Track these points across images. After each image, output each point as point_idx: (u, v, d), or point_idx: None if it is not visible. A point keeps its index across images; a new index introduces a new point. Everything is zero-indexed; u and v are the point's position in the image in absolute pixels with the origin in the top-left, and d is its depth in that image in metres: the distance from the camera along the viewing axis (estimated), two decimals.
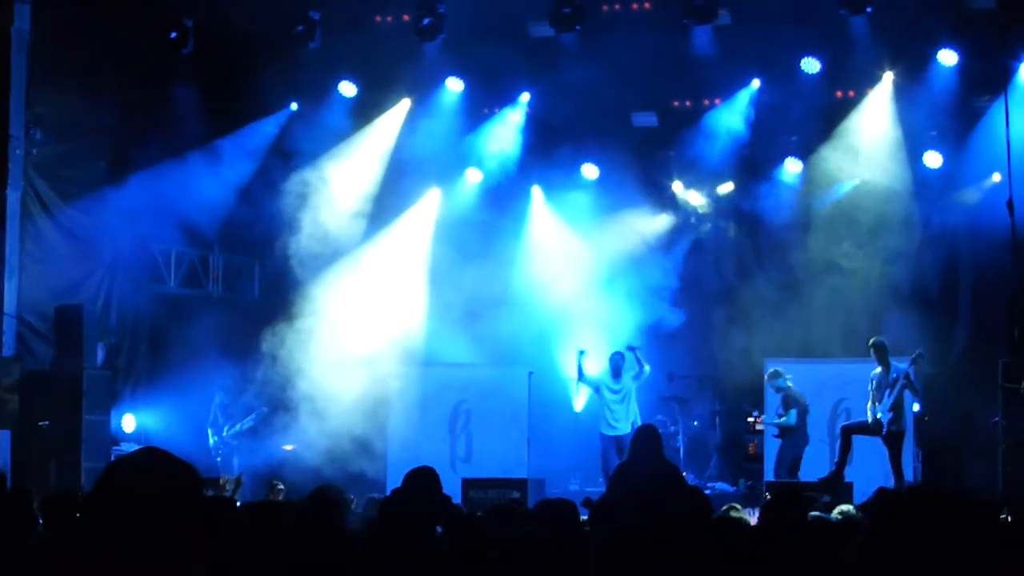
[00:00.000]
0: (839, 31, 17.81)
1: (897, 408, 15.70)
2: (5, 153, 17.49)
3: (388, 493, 9.72)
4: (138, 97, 18.91)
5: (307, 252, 19.43)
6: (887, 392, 15.68)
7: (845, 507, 10.03)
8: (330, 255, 19.71)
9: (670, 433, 18.89)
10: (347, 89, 19.96)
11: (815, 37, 18.07)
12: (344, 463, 18.22)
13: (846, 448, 15.91)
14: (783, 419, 16.82)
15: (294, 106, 20.29)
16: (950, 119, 18.64)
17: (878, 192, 19.14)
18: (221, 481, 15.37)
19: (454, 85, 19.96)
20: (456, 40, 18.49)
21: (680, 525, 6.10)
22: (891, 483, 15.00)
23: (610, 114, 19.64)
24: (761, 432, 18.51)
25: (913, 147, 19.03)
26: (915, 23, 17.43)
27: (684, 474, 14.90)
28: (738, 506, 9.16)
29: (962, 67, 18.13)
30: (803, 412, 16.89)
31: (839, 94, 19.32)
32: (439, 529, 7.15)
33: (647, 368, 17.95)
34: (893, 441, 15.72)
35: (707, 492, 15.03)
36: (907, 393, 15.87)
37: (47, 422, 17.16)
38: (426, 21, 18.48)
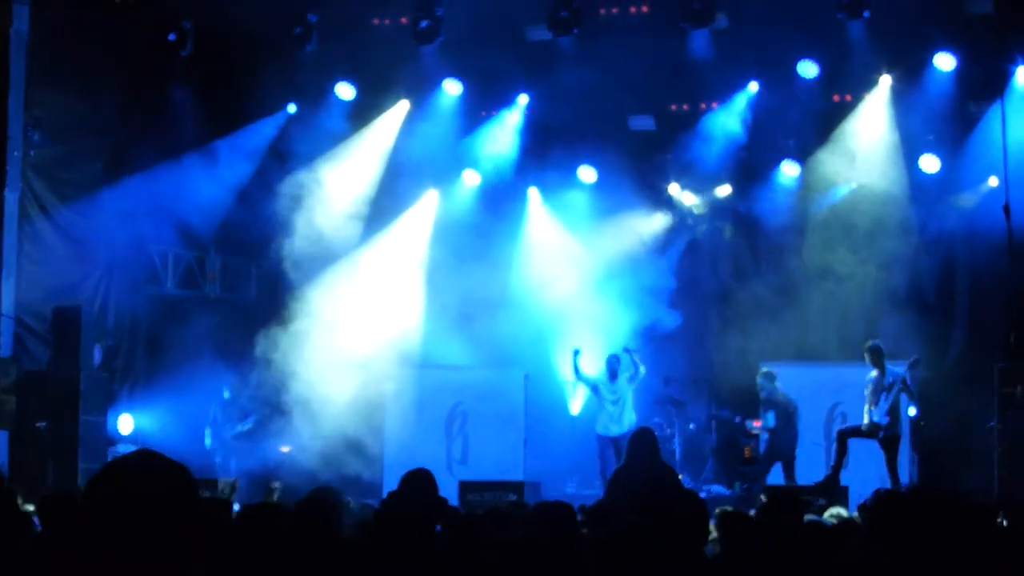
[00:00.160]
0: (837, 35, 17.82)
1: (893, 412, 15.71)
2: (3, 154, 17.49)
3: (384, 495, 9.73)
4: (136, 99, 18.92)
5: (304, 254, 19.44)
6: (883, 396, 15.69)
7: (837, 510, 10.06)
8: (327, 257, 19.73)
9: (666, 436, 18.90)
10: (345, 91, 19.96)
11: (812, 41, 18.08)
12: (340, 465, 18.23)
13: (842, 452, 15.92)
14: (762, 423, 17.32)
15: (292, 108, 20.29)
16: (947, 123, 18.65)
17: (875, 196, 19.15)
18: (220, 485, 15.35)
19: (452, 88, 19.97)
20: (454, 43, 18.50)
21: (677, 528, 6.10)
22: (887, 487, 15.00)
23: (607, 117, 19.65)
24: (757, 436, 18.55)
25: (910, 151, 19.04)
26: (913, 27, 17.44)
27: (680, 477, 14.93)
28: (731, 509, 9.17)
29: (959, 71, 18.15)
30: (784, 415, 17.13)
31: (836, 98, 19.33)
32: (438, 529, 7.17)
33: (642, 369, 17.98)
34: (889, 445, 15.73)
35: (703, 495, 15.09)
36: (903, 397, 15.89)
37: (44, 423, 17.15)
38: (424, 24, 18.49)
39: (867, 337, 16.65)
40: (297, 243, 19.37)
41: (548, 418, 19.65)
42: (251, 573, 5.90)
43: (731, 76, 19.05)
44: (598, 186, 20.44)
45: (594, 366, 18.39)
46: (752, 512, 8.62)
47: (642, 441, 11.33)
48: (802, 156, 19.79)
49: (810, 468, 16.86)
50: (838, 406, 17.97)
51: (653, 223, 20.65)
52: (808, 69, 18.64)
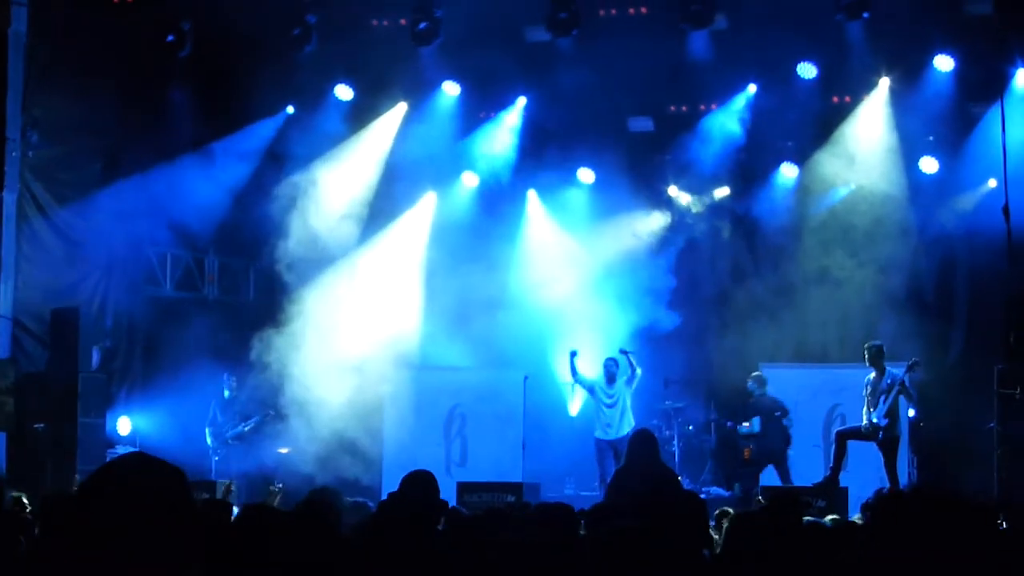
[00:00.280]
0: (836, 36, 17.82)
1: (892, 414, 15.70)
2: (1, 155, 17.48)
3: (383, 497, 9.71)
4: (135, 100, 18.91)
5: (303, 255, 19.42)
6: (882, 397, 15.68)
7: (835, 517, 10.06)
8: (326, 259, 19.71)
9: (665, 438, 18.88)
10: (343, 93, 19.95)
11: (812, 42, 18.06)
12: (338, 467, 18.20)
13: (841, 453, 15.92)
14: (748, 427, 17.58)
15: (290, 109, 20.27)
16: (946, 125, 18.66)
17: (874, 197, 19.16)
18: (219, 486, 15.31)
19: (450, 89, 19.96)
20: (452, 44, 18.49)
21: (677, 529, 6.10)
22: (886, 488, 15.00)
23: (606, 119, 19.65)
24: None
25: (909, 153, 19.04)
26: (912, 29, 17.44)
27: (679, 478, 14.92)
28: (730, 510, 9.18)
29: (958, 73, 18.15)
30: (769, 419, 17.40)
31: (835, 99, 19.34)
32: (440, 527, 7.16)
33: (639, 371, 17.97)
34: (888, 447, 15.72)
35: (702, 496, 15.08)
36: (902, 398, 15.88)
37: (42, 425, 17.14)
38: (422, 25, 18.48)
39: (866, 338, 16.65)
40: (295, 245, 19.35)
41: (547, 419, 19.63)
42: (251, 573, 5.88)
43: (730, 77, 19.05)
44: (597, 187, 20.44)
45: (592, 368, 18.38)
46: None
47: (642, 442, 11.31)
48: (801, 157, 19.80)
49: (809, 469, 16.86)
50: (837, 407, 17.97)
51: (652, 224, 20.63)
52: (807, 70, 18.64)
